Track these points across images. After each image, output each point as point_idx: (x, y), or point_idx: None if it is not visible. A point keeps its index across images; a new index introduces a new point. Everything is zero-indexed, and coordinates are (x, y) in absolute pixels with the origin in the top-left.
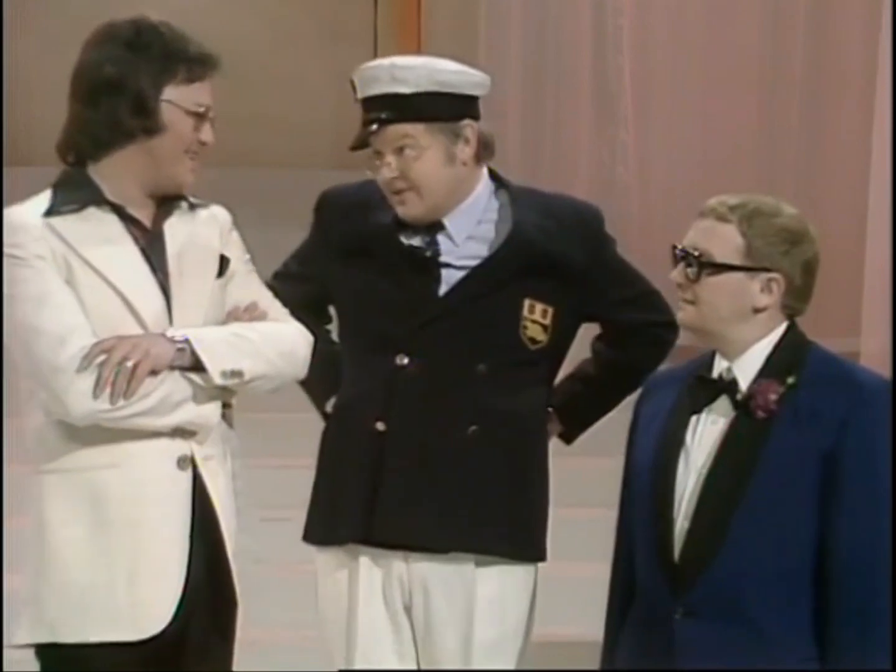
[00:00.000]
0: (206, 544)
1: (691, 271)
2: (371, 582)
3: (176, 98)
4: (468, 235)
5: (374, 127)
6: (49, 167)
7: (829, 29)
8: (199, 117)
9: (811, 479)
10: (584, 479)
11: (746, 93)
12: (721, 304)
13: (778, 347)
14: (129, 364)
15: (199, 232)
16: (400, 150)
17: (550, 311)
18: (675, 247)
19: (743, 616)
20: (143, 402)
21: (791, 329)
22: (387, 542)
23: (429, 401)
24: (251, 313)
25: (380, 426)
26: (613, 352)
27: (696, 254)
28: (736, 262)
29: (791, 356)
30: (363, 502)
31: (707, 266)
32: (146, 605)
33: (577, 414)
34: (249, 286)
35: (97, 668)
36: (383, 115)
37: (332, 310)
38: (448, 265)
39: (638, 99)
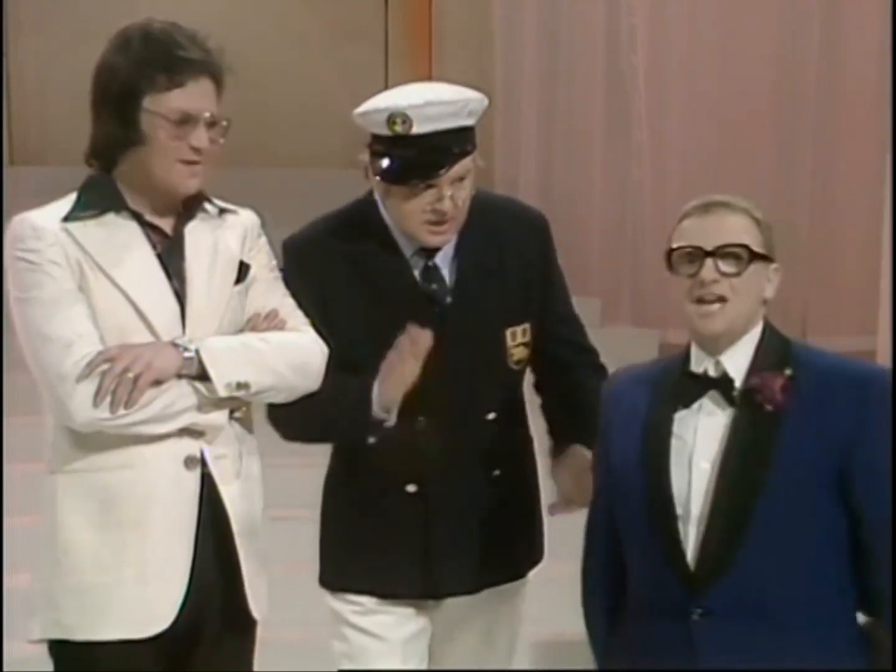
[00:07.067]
0: (216, 543)
1: (735, 264)
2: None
3: (155, 107)
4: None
5: (444, 167)
6: (62, 167)
7: (844, 27)
8: (182, 124)
9: (828, 474)
10: None
11: (761, 92)
12: (752, 295)
13: (762, 340)
14: (131, 375)
15: (222, 237)
16: (460, 181)
17: (528, 326)
18: (698, 248)
19: (765, 612)
20: (145, 411)
21: (767, 322)
22: (445, 594)
23: (453, 457)
24: (270, 322)
25: (411, 488)
26: (560, 379)
27: (741, 244)
28: (762, 252)
29: (778, 348)
30: (418, 561)
31: (755, 257)
32: (151, 603)
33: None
34: (271, 294)
35: (108, 664)
36: (456, 150)
37: None
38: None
39: (652, 99)
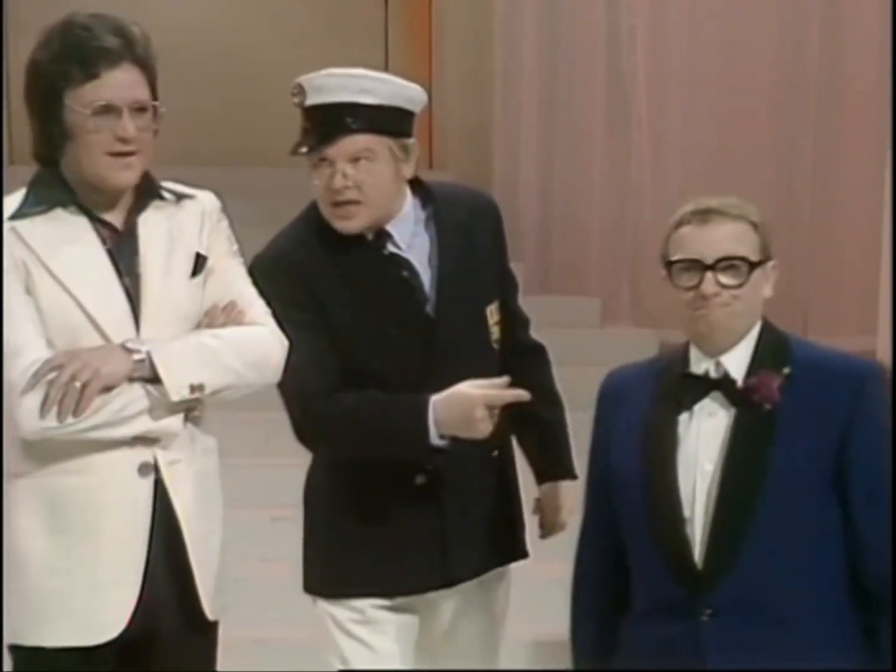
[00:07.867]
0: (169, 549)
1: (735, 276)
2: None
3: (74, 102)
4: (407, 245)
5: (330, 139)
6: None
7: (844, 27)
8: (103, 115)
9: (824, 469)
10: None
11: (761, 93)
12: (753, 299)
13: (761, 338)
14: (78, 385)
15: (179, 227)
16: (355, 161)
17: (498, 303)
18: (697, 262)
19: (772, 611)
20: (95, 418)
21: (765, 319)
22: (459, 581)
23: (457, 441)
24: (228, 314)
25: (420, 479)
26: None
27: (741, 256)
28: (759, 258)
29: (776, 346)
30: (434, 552)
31: (754, 267)
32: (101, 611)
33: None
34: (230, 283)
35: (60, 669)
36: (351, 124)
37: None
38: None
39: (652, 99)
